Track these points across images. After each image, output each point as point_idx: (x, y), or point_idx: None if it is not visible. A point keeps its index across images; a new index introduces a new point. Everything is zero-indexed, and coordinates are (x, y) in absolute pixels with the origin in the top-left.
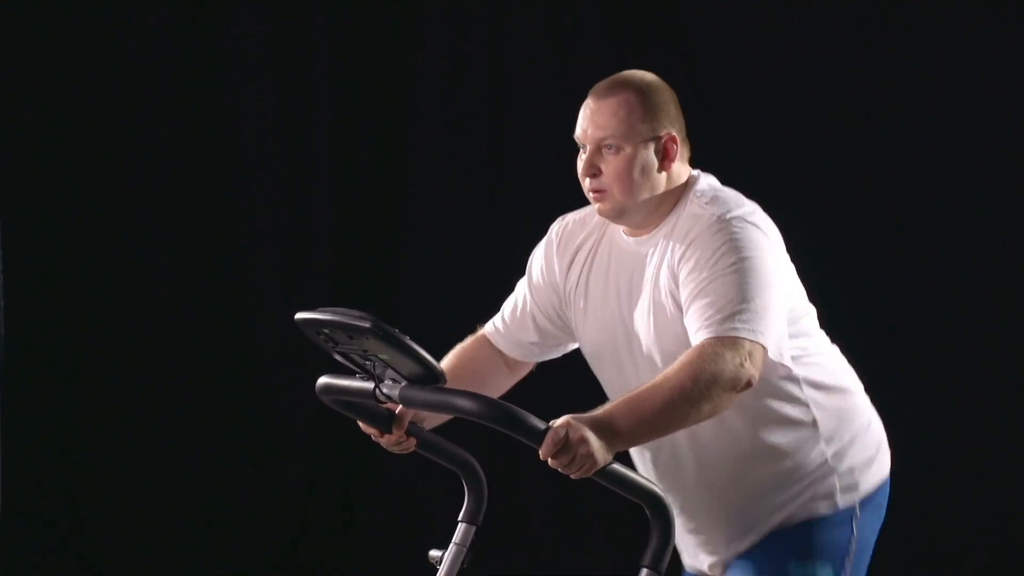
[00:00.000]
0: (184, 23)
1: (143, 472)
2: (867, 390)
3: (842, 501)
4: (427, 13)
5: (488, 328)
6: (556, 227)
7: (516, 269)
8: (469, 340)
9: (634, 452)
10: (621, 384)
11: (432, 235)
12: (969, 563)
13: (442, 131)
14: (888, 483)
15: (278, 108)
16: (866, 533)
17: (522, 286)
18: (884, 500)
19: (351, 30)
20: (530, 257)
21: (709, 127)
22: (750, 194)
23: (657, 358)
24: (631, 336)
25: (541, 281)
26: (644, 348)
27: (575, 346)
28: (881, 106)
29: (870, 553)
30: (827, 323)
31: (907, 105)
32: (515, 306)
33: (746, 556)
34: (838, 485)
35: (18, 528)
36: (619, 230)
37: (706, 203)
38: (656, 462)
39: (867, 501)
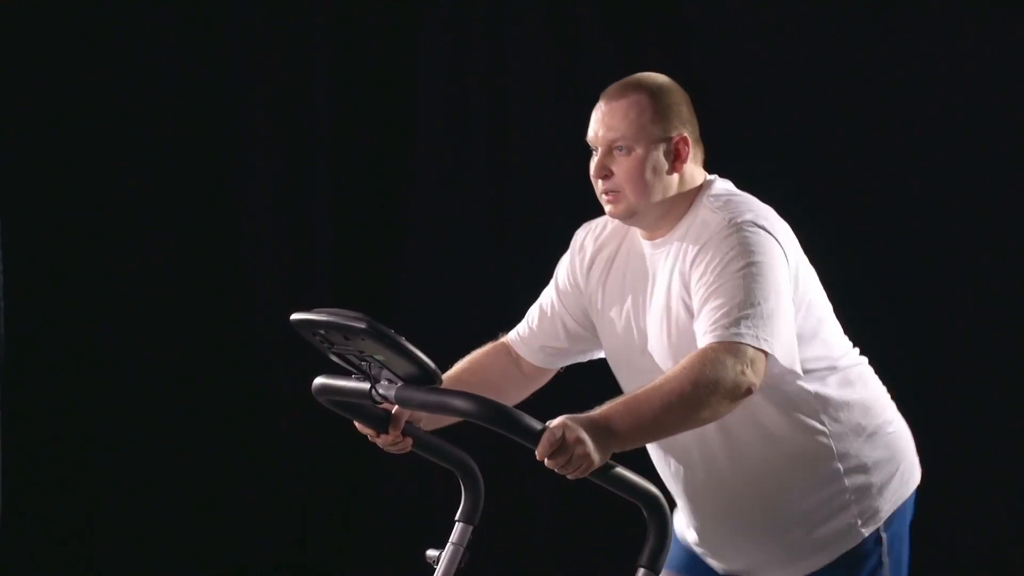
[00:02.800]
0: (184, 23)
1: (143, 472)
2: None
3: (865, 526)
4: (427, 13)
5: (511, 336)
6: (580, 233)
7: (516, 270)
8: (486, 347)
9: (658, 463)
10: (638, 387)
11: (432, 236)
12: (985, 566)
13: (442, 132)
14: (914, 499)
15: (278, 108)
16: (897, 549)
17: (548, 292)
18: (908, 518)
19: (351, 30)
20: (557, 264)
21: (709, 127)
22: (762, 197)
23: (670, 362)
24: (645, 339)
25: (568, 286)
26: (658, 351)
27: (602, 353)
28: (884, 106)
29: (907, 569)
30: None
31: (910, 105)
32: (542, 312)
33: None
34: (855, 508)
35: (18, 528)
36: (637, 234)
37: (718, 207)
38: (668, 467)
39: (891, 521)
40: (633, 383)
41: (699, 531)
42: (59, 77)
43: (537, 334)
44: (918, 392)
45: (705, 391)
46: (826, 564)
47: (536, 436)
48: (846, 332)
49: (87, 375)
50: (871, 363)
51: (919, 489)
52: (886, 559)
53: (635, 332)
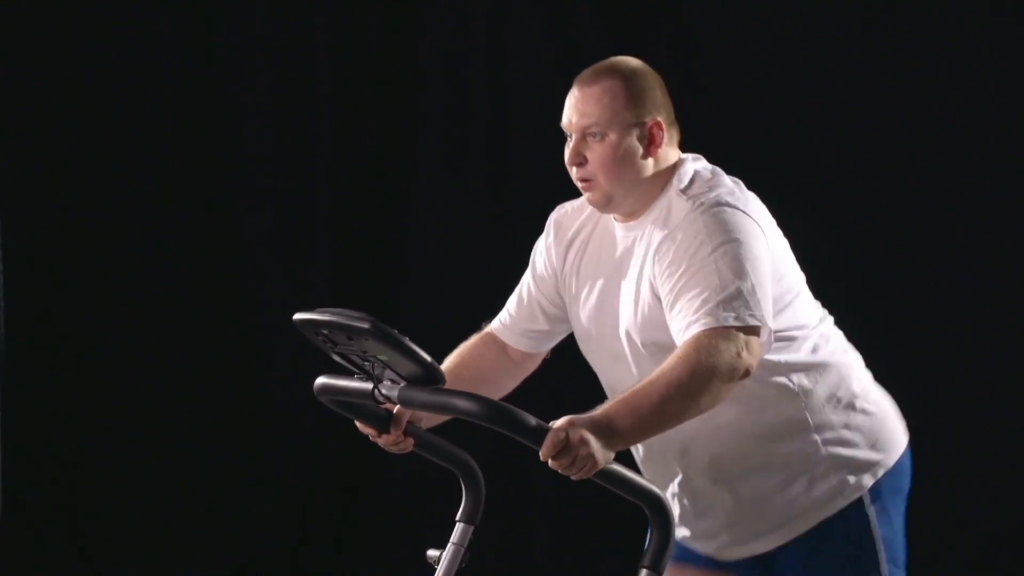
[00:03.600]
0: (184, 22)
1: (143, 472)
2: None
3: (848, 488)
4: (428, 13)
5: (494, 324)
6: (554, 215)
7: (517, 269)
8: (473, 339)
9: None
10: (609, 370)
11: (433, 235)
12: (980, 556)
13: (443, 131)
14: (904, 464)
15: (278, 108)
16: (888, 519)
17: (526, 278)
18: (902, 482)
19: (352, 29)
20: (533, 248)
21: (709, 125)
22: (763, 197)
23: (640, 345)
24: (617, 322)
25: (544, 270)
26: (630, 335)
27: None
28: (884, 105)
29: (903, 538)
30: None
31: (909, 104)
32: (520, 297)
33: (765, 567)
34: (834, 479)
35: (18, 528)
36: (612, 217)
37: (683, 189)
38: (651, 448)
39: (878, 487)
40: (604, 364)
41: (678, 505)
42: (59, 77)
43: (517, 320)
44: (915, 390)
45: (703, 378)
46: (806, 531)
47: (540, 437)
48: (839, 325)
49: (87, 375)
50: (866, 361)
51: (914, 454)
52: (878, 531)
53: (607, 316)
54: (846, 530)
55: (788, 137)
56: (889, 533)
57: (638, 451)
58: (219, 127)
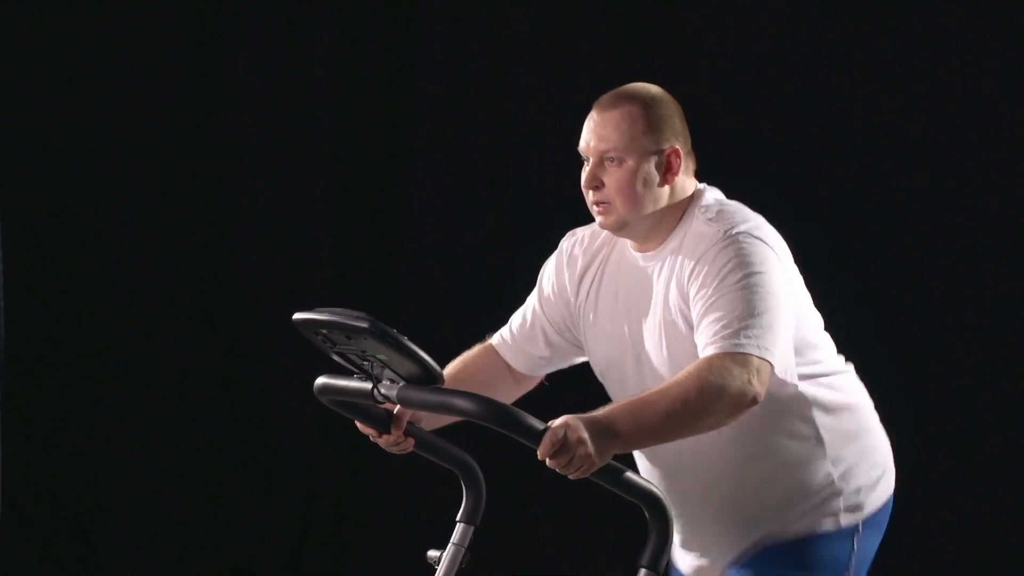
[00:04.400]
0: (184, 22)
1: (143, 472)
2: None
3: (845, 520)
4: (427, 13)
5: (495, 340)
6: (567, 241)
7: (516, 270)
8: (476, 348)
9: (636, 455)
10: (627, 396)
11: (432, 236)
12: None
13: (443, 132)
14: (891, 501)
15: (278, 108)
16: (867, 547)
17: (532, 299)
18: (886, 518)
19: (352, 29)
20: (541, 271)
21: (708, 132)
22: (752, 204)
23: (666, 376)
24: (640, 353)
25: (552, 295)
26: (654, 365)
27: (582, 359)
28: (884, 112)
29: (868, 567)
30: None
31: (910, 112)
32: (524, 320)
33: (743, 566)
34: (843, 505)
35: (18, 528)
36: (628, 245)
37: (711, 218)
38: (657, 466)
39: (870, 519)
40: (624, 394)
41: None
42: (59, 77)
43: (518, 340)
44: (902, 396)
45: (710, 398)
46: (797, 536)
47: (538, 436)
48: (833, 336)
49: (87, 375)
50: (857, 368)
51: (895, 496)
52: (856, 547)
53: (629, 346)
54: (829, 551)
55: (785, 139)
56: (860, 563)
57: (644, 458)
58: (219, 127)
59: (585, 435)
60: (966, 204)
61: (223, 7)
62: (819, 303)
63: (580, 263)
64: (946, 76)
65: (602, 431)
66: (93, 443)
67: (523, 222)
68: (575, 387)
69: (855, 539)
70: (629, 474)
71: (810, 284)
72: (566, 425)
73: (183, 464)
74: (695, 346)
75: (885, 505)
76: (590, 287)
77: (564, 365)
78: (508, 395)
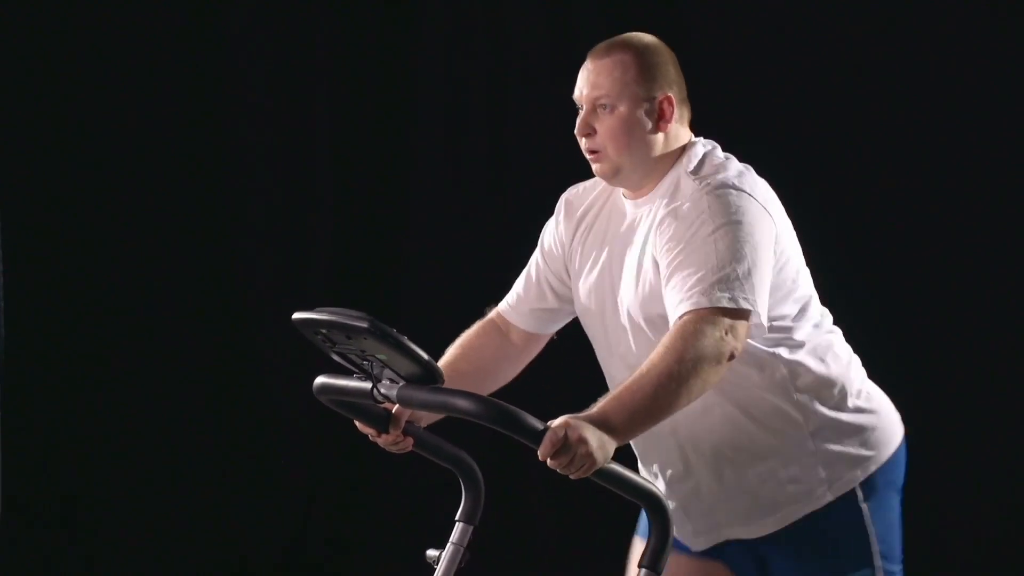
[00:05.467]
0: (184, 22)
1: (143, 471)
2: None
3: (835, 487)
4: (427, 13)
5: (501, 306)
6: (565, 194)
7: (516, 268)
8: (475, 327)
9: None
10: (608, 345)
11: (432, 235)
12: (975, 556)
13: (442, 131)
14: (899, 457)
15: (278, 108)
16: (883, 509)
17: (535, 257)
18: (896, 475)
19: (351, 29)
20: (543, 228)
21: (706, 132)
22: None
23: (641, 321)
24: (618, 297)
25: (553, 247)
26: (630, 310)
27: None
28: (883, 105)
29: (899, 532)
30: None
31: (909, 104)
32: (528, 277)
33: (757, 555)
34: (823, 472)
35: (18, 528)
36: (620, 193)
37: (691, 170)
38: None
39: (871, 481)
40: (603, 338)
41: (662, 485)
42: (59, 77)
43: (525, 299)
44: (911, 389)
45: (692, 364)
46: (791, 523)
47: (539, 436)
48: (838, 323)
49: (87, 375)
50: (862, 360)
51: (910, 447)
52: (872, 527)
53: (608, 289)
54: (838, 524)
55: (784, 137)
56: (883, 528)
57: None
58: (219, 127)
59: (586, 434)
60: (969, 197)
61: (223, 8)
62: (822, 301)
63: (578, 211)
64: (946, 76)
65: (599, 428)
66: (93, 443)
67: (523, 221)
68: (574, 387)
69: (861, 505)
70: (629, 473)
71: (815, 271)
72: (566, 425)
73: (183, 464)
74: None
75: (887, 465)
76: (583, 232)
77: (571, 317)
78: (511, 368)
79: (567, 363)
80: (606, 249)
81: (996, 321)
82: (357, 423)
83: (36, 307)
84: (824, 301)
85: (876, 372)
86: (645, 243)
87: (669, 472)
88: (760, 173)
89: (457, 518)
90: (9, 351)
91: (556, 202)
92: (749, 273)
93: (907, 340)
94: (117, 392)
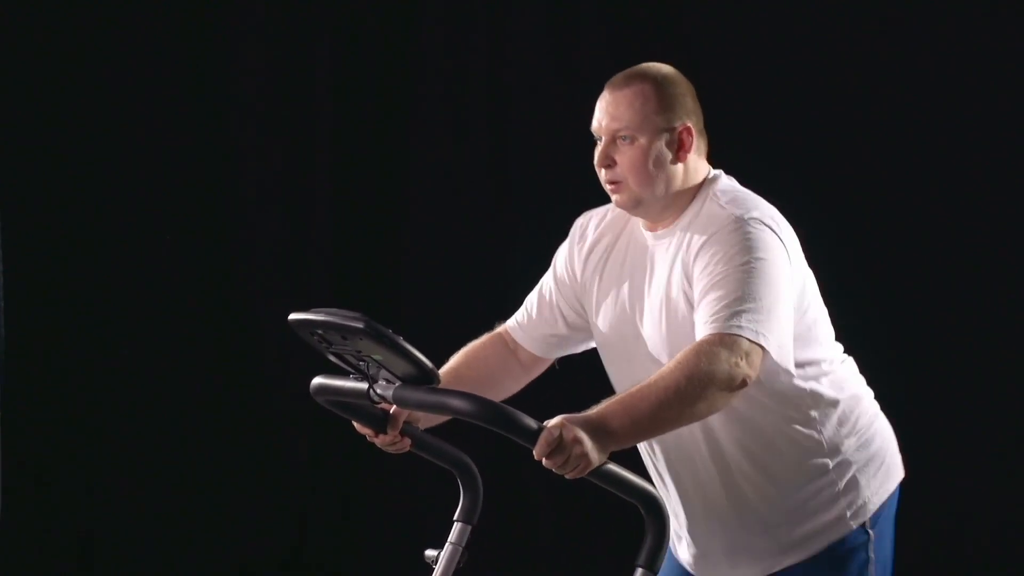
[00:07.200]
0: (183, 22)
1: (143, 472)
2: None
3: (852, 520)
4: (427, 13)
5: (510, 323)
6: (580, 220)
7: (516, 268)
8: (483, 338)
9: (642, 449)
10: (629, 377)
11: (432, 236)
12: (974, 564)
13: (442, 131)
14: (898, 494)
15: (278, 107)
16: (883, 546)
17: (547, 280)
18: (893, 512)
19: (351, 29)
20: (556, 252)
21: (708, 124)
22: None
23: (665, 355)
24: (641, 329)
25: (565, 274)
26: (653, 342)
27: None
28: (885, 108)
29: (892, 558)
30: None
31: (911, 107)
32: (541, 300)
33: None
34: (843, 501)
35: (18, 528)
36: (639, 224)
37: (726, 202)
38: (662, 469)
39: (878, 515)
40: (625, 374)
41: (688, 529)
42: (59, 77)
43: (537, 323)
44: (906, 389)
45: (700, 384)
46: (812, 555)
47: (534, 436)
48: (834, 326)
49: (87, 375)
50: (857, 360)
51: (903, 485)
52: (872, 555)
53: (630, 321)
54: (846, 555)
55: (785, 139)
56: (882, 558)
57: (654, 455)
58: (219, 128)
59: (581, 434)
60: (971, 197)
61: (224, 9)
62: (824, 300)
63: (590, 239)
64: (946, 76)
65: (596, 429)
66: (93, 443)
67: (523, 222)
68: (574, 387)
69: (869, 545)
70: (625, 473)
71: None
72: (561, 425)
73: (183, 464)
74: (693, 325)
75: (891, 499)
76: (598, 261)
77: (578, 348)
78: (515, 383)
79: (567, 363)
80: (626, 283)
81: (996, 321)
82: (355, 424)
83: (36, 307)
84: (824, 301)
85: (876, 375)
86: (671, 275)
87: (693, 510)
88: (760, 174)
89: (455, 518)
90: (9, 351)
91: (556, 202)
92: (770, 310)
93: (907, 340)
94: (117, 392)
